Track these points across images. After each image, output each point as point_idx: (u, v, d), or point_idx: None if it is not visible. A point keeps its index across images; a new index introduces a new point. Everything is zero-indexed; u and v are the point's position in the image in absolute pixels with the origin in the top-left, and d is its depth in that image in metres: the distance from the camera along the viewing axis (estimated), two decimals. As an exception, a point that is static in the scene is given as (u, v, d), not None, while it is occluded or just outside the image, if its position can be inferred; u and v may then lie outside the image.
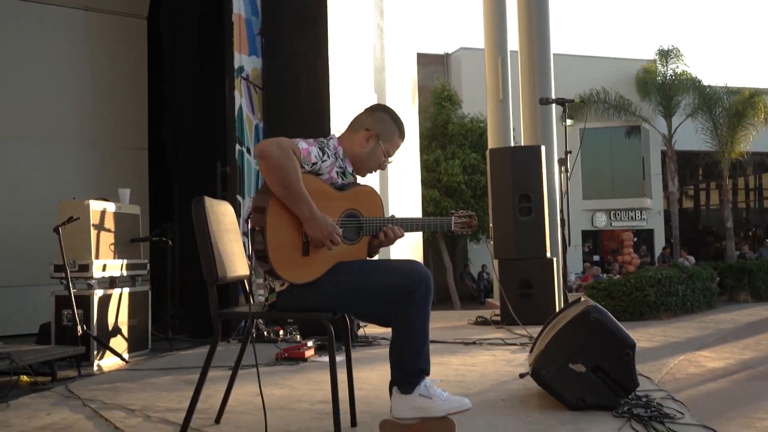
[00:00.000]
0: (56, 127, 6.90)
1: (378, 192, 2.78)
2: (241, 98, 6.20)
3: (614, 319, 3.05)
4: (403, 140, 2.85)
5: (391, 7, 9.13)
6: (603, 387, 2.94)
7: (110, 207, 5.05)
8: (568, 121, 5.66)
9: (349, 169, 2.77)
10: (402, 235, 2.73)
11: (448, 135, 21.44)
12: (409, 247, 9.11)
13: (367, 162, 2.77)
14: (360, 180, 2.84)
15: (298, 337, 5.43)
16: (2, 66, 6.70)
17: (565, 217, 5.56)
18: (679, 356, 4.84)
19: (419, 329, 2.54)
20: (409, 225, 2.76)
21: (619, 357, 2.95)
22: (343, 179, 2.72)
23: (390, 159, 2.83)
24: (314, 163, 2.59)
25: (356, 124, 2.81)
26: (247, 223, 2.59)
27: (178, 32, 6.92)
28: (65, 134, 6.94)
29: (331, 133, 2.84)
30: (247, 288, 2.98)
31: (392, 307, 2.54)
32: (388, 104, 8.35)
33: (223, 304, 2.94)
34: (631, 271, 13.22)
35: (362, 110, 2.85)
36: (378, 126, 2.79)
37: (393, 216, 2.74)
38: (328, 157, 2.65)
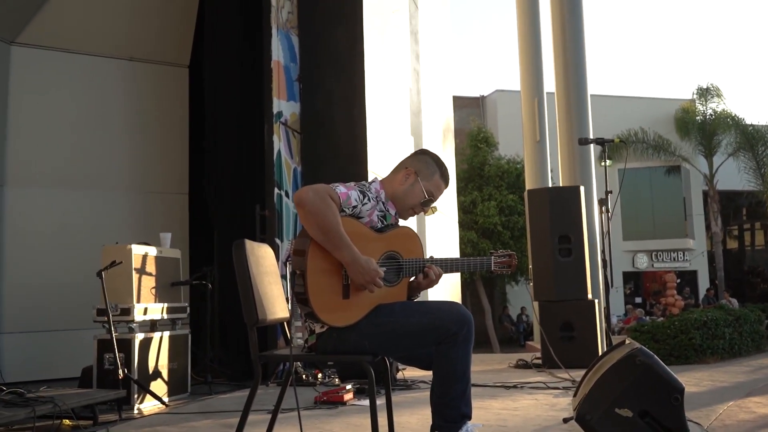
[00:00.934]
0: (101, 173, 7.07)
1: (417, 234, 2.78)
2: (279, 143, 6.30)
3: (661, 362, 2.97)
4: (446, 184, 2.85)
5: (426, 51, 9.24)
6: (651, 433, 2.86)
7: (152, 251, 5.13)
8: (608, 162, 5.62)
9: (392, 211, 2.78)
10: (440, 276, 2.72)
11: (485, 177, 21.42)
12: (447, 289, 9.05)
13: (406, 200, 2.78)
14: (400, 222, 2.84)
15: (337, 380, 5.39)
16: (51, 114, 6.93)
17: (607, 258, 5.48)
18: (728, 402, 4.69)
19: (461, 372, 2.50)
20: (448, 265, 2.75)
21: (668, 401, 2.87)
22: (383, 223, 2.73)
23: (434, 205, 2.83)
24: (354, 206, 2.61)
25: (398, 166, 2.84)
26: (286, 266, 2.61)
27: (218, 80, 7.08)
28: (110, 180, 7.10)
29: (374, 177, 2.86)
30: (287, 330, 2.98)
31: (434, 350, 2.52)
32: (424, 147, 8.40)
33: (262, 347, 2.95)
34: (675, 314, 12.91)
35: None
36: (417, 164, 2.81)
37: (432, 257, 2.74)
38: (369, 200, 2.67)
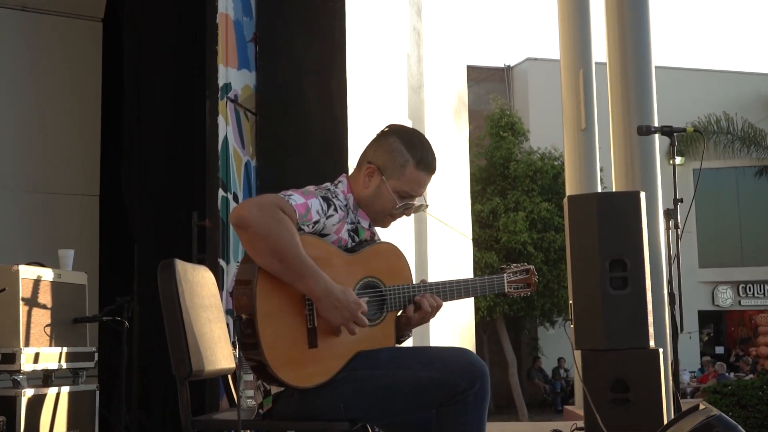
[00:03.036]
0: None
1: (402, 251, 2.76)
2: (227, 126, 6.29)
3: (748, 435, 2.99)
4: (429, 171, 2.80)
5: (432, 5, 9.27)
6: None
7: (47, 274, 5.11)
8: (678, 159, 5.64)
9: (364, 224, 2.76)
10: (438, 306, 2.71)
11: (510, 177, 21.49)
12: (456, 332, 9.04)
13: (374, 207, 2.76)
14: (379, 236, 2.84)
15: (301, 457, 5.39)
16: None
17: (675, 292, 5.50)
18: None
19: (472, 445, 2.51)
20: (446, 291, 2.75)
21: (756, 490, 2.88)
22: (354, 240, 2.71)
23: (421, 203, 2.80)
24: (316, 222, 2.58)
25: (361, 158, 2.82)
26: (232, 298, 2.60)
27: (143, 39, 7.06)
28: (-11, 175, 7.07)
29: (341, 175, 2.83)
30: (232, 386, 2.97)
31: (435, 414, 2.51)
32: (426, 134, 8.40)
33: (197, 409, 2.94)
34: (769, 369, 12.96)
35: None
36: (380, 156, 2.77)
37: (423, 281, 2.73)
38: (336, 210, 2.64)
